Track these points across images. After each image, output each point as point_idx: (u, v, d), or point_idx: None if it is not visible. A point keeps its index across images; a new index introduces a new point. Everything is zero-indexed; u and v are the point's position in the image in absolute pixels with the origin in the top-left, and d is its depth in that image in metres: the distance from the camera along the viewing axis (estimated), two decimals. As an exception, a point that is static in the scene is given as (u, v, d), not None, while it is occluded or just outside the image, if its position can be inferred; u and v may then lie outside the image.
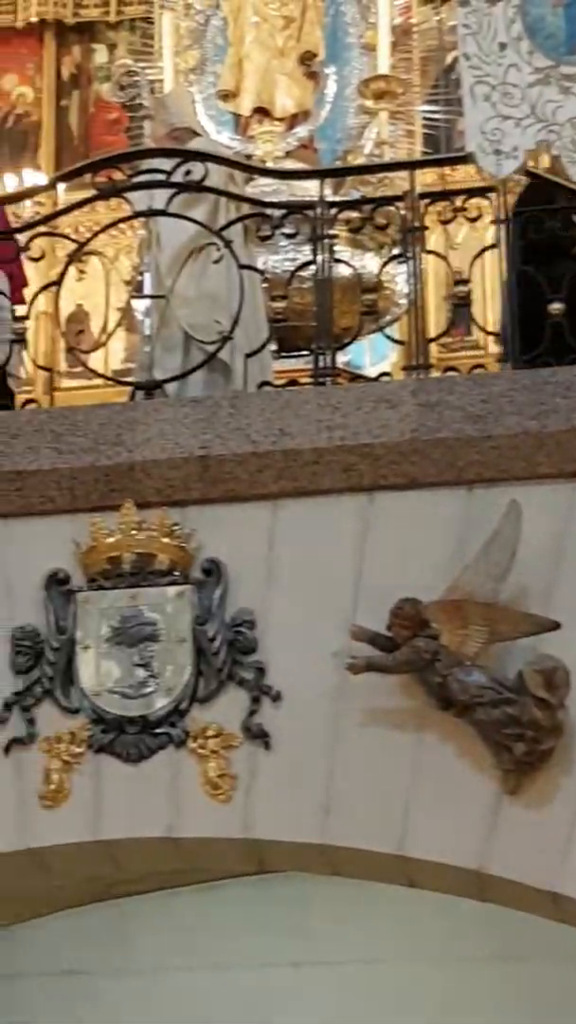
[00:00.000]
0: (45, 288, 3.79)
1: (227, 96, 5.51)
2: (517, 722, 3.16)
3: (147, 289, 4.07)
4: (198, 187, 3.58)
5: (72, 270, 3.75)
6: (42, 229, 3.97)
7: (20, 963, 4.75)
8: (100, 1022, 4.79)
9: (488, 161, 3.34)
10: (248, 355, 3.65)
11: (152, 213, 3.68)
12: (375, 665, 3.20)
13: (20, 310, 3.81)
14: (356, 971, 4.66)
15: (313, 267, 3.74)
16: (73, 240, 3.95)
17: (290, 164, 5.24)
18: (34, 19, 5.15)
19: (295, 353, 4.67)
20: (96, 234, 3.97)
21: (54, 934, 4.58)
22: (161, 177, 3.58)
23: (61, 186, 4.80)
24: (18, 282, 3.92)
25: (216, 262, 3.60)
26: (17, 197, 5.01)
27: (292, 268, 4.07)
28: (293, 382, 3.98)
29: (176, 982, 4.60)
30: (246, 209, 3.79)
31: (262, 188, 4.63)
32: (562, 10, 3.33)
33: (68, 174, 4.58)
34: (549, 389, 3.32)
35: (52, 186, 4.84)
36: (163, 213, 3.61)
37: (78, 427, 3.47)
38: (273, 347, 4.15)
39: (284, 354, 4.61)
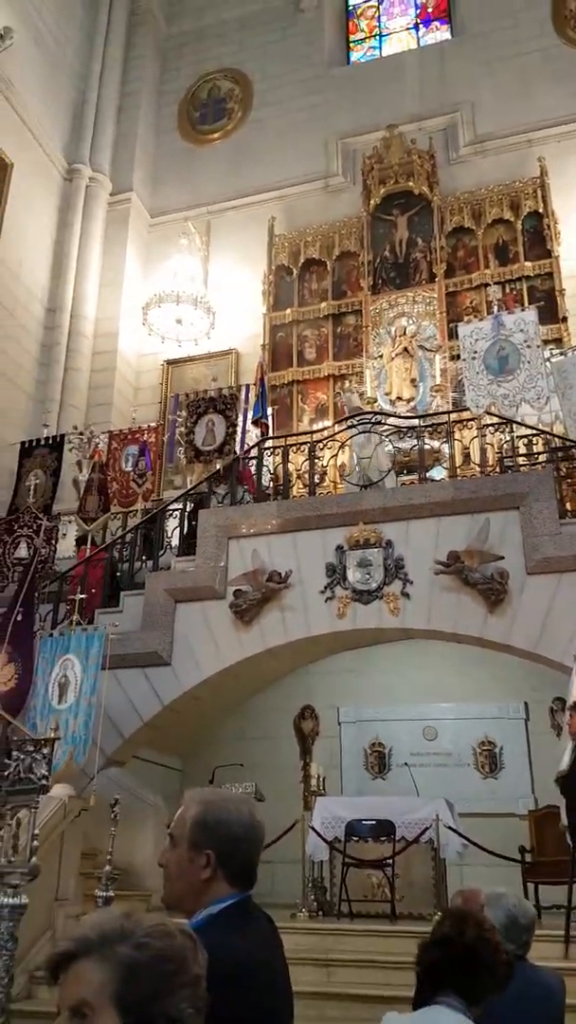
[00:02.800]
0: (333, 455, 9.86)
1: (388, 393, 11.61)
2: (492, 588, 8.12)
3: (355, 454, 9.92)
4: (372, 423, 9.50)
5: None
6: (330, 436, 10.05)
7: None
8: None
9: (474, 409, 9.03)
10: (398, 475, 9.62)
11: (355, 434, 9.43)
12: (443, 571, 8.30)
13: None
14: (438, 666, 9.85)
15: (416, 446, 9.47)
16: (339, 440, 9.76)
17: (407, 414, 10.84)
18: (323, 375, 11.51)
19: (408, 475, 10.40)
20: (344, 443, 9.78)
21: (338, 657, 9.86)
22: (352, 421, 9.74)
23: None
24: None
25: (377, 445, 9.38)
26: (309, 433, 11.24)
27: (408, 447, 9.69)
28: (413, 481, 9.65)
29: (382, 675, 9.95)
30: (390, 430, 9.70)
31: (398, 421, 10.23)
32: (496, 360, 9.22)
33: (336, 423, 10.54)
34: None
35: (334, 426, 10.68)
36: (357, 434, 9.39)
37: (340, 499, 8.93)
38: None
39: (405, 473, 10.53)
